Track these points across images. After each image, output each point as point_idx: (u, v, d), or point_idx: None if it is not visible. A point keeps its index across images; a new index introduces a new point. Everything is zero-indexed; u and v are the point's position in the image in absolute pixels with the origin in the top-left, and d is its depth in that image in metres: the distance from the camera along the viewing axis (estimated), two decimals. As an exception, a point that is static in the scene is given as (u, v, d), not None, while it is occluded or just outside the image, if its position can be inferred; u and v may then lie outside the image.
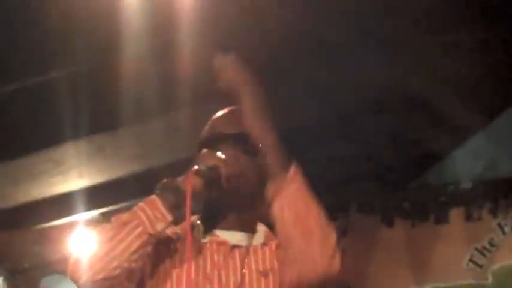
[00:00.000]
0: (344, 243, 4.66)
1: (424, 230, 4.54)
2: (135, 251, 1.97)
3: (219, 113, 2.28)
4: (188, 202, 1.98)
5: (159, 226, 2.00)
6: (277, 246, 2.16)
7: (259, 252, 2.15)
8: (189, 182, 2.00)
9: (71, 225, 4.82)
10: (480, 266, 4.34)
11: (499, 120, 4.57)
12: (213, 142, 2.17)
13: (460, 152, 4.85)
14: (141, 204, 2.04)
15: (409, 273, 4.48)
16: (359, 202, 4.71)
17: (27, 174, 4.05)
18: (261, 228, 2.24)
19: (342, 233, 4.68)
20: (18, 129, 3.51)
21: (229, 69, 2.11)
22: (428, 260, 4.45)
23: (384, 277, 4.52)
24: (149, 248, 2.01)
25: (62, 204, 4.43)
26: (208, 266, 2.09)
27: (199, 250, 2.12)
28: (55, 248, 5.12)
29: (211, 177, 2.05)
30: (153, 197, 2.04)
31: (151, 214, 2.00)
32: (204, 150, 2.14)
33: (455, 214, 4.51)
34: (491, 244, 4.35)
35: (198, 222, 2.21)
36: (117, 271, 1.95)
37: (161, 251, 2.10)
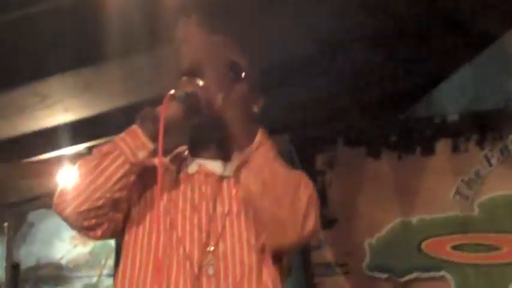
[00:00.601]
0: (331, 176, 4.69)
1: (411, 162, 4.55)
2: (117, 181, 1.98)
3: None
4: (162, 125, 1.96)
5: (141, 155, 1.99)
6: None
7: None
8: (164, 107, 1.98)
9: (57, 160, 4.82)
10: (466, 197, 4.36)
11: (486, 53, 4.56)
12: (193, 71, 2.15)
13: (447, 85, 4.86)
14: (122, 134, 2.04)
15: (395, 205, 4.51)
16: (346, 135, 4.71)
17: (12, 108, 4.02)
18: None
19: (329, 166, 4.70)
20: (3, 63, 3.47)
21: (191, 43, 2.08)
22: (414, 192, 4.48)
23: (371, 209, 4.55)
24: (132, 178, 2.01)
25: (48, 138, 4.41)
26: (196, 197, 2.09)
27: (186, 181, 2.12)
28: (42, 182, 5.13)
29: (189, 104, 2.02)
30: (134, 126, 2.03)
31: (132, 143, 1.99)
32: (184, 78, 2.12)
33: (442, 146, 4.51)
34: (477, 176, 4.38)
35: (186, 152, 2.20)
36: (101, 201, 1.97)
37: (147, 180, 2.09)
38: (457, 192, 4.39)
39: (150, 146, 2.00)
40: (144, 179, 2.08)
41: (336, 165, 4.70)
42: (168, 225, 2.04)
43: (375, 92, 4.58)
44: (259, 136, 2.03)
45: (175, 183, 2.11)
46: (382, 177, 4.58)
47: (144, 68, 3.74)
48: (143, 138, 2.00)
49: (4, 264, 5.85)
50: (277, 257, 2.09)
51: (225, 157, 2.16)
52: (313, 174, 4.64)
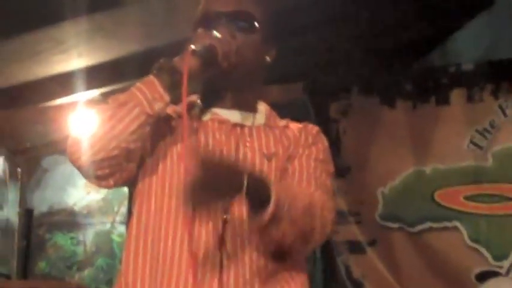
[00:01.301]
0: (345, 125, 4.68)
1: (425, 112, 4.53)
2: (133, 132, 1.95)
3: None
4: (185, 82, 1.95)
5: (157, 106, 1.98)
6: (282, 131, 2.17)
7: (263, 135, 2.14)
8: (186, 63, 1.97)
9: (71, 105, 4.82)
10: (480, 147, 4.35)
11: (502, 1, 4.51)
12: (208, 21, 2.13)
13: (463, 34, 4.82)
14: (138, 84, 2.01)
15: (409, 154, 4.50)
16: (360, 83, 4.69)
17: (27, 53, 4.02)
18: (262, 107, 2.23)
19: (343, 114, 4.69)
20: (18, 7, 3.46)
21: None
22: (428, 142, 4.46)
23: (384, 158, 4.55)
24: (147, 128, 1.99)
25: (63, 83, 4.42)
26: (210, 143, 2.08)
27: (199, 128, 2.11)
28: (56, 127, 5.15)
29: (207, 57, 2.00)
30: (150, 77, 2.01)
31: (149, 94, 1.98)
32: (199, 30, 2.10)
33: (457, 95, 4.48)
34: (492, 126, 4.36)
35: (198, 101, 2.20)
36: (116, 151, 1.95)
37: (161, 129, 2.09)
38: (471, 142, 4.38)
39: (167, 97, 1.99)
40: (157, 129, 2.06)
41: (350, 113, 4.68)
42: (182, 172, 2.02)
43: (390, 40, 4.55)
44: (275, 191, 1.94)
45: (189, 130, 2.08)
46: (396, 126, 4.56)
47: (159, 13, 3.72)
48: (160, 89, 1.98)
49: (18, 209, 5.89)
50: None
51: (242, 107, 2.16)
52: (327, 123, 4.64)
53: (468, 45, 4.77)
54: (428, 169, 4.45)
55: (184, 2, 3.57)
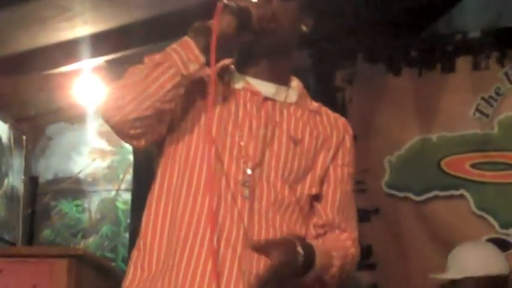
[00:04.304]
0: (350, 93, 4.67)
1: (431, 79, 4.52)
2: (167, 92, 1.95)
3: None
4: (214, 37, 1.94)
5: (192, 67, 1.97)
6: (312, 117, 2.17)
7: (293, 116, 2.13)
8: (217, 15, 1.96)
9: (77, 73, 4.81)
10: (486, 115, 4.35)
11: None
12: None
13: (469, 2, 4.79)
14: (174, 45, 2.00)
15: (415, 122, 4.49)
16: (366, 51, 4.67)
17: (32, 20, 4.02)
18: (295, 83, 2.20)
19: (349, 82, 4.67)
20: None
21: None
22: (434, 109, 4.46)
23: (390, 126, 4.54)
24: (181, 90, 1.99)
25: (68, 51, 4.41)
26: (240, 114, 2.08)
27: (230, 96, 2.10)
28: (61, 95, 5.14)
29: (241, 17, 1.99)
30: (186, 38, 2.00)
31: (185, 55, 1.97)
32: None
33: (462, 63, 4.48)
34: (497, 93, 4.36)
35: (232, 66, 2.18)
36: (149, 111, 1.95)
37: (193, 92, 2.08)
38: (477, 109, 4.38)
39: (202, 59, 1.98)
40: (190, 91, 2.06)
41: (356, 81, 4.66)
42: (208, 139, 2.02)
43: (396, 7, 4.51)
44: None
45: (220, 97, 2.09)
46: (402, 93, 4.56)
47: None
48: (195, 50, 1.97)
49: (22, 177, 5.90)
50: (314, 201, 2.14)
51: (276, 79, 2.14)
52: (333, 91, 4.63)
53: (474, 13, 4.74)
54: (434, 137, 4.45)
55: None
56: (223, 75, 2.13)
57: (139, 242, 2.06)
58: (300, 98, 2.18)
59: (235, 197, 1.99)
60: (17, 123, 5.72)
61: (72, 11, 3.91)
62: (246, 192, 2.00)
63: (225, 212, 1.97)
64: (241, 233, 1.96)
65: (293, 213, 2.07)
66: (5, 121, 5.58)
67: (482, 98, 4.38)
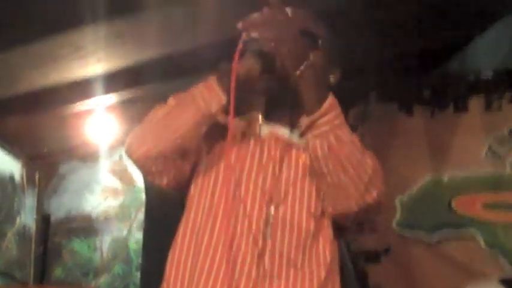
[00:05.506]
0: (362, 131, 4.66)
1: (443, 119, 4.51)
2: (188, 130, 1.99)
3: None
4: (233, 77, 1.96)
5: (214, 107, 2.00)
6: None
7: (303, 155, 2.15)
8: (236, 55, 1.98)
9: (90, 111, 4.84)
10: (499, 156, 4.33)
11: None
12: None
13: (482, 41, 4.79)
14: (199, 85, 2.05)
15: (427, 161, 4.48)
16: (378, 90, 4.68)
17: (45, 58, 4.05)
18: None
19: (361, 121, 4.68)
20: (38, 13, 3.48)
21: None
22: (446, 149, 4.45)
23: (402, 165, 4.53)
24: (203, 129, 2.03)
25: (81, 89, 4.44)
26: (264, 159, 2.10)
27: (257, 141, 2.13)
28: (74, 133, 5.17)
29: (265, 61, 2.00)
30: (211, 79, 2.04)
31: (207, 95, 2.00)
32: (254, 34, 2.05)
33: (475, 103, 4.47)
34: (510, 134, 4.34)
35: (260, 117, 2.20)
36: (170, 148, 1.99)
37: (217, 136, 2.12)
38: (489, 150, 4.36)
39: (224, 98, 2.00)
40: (214, 134, 2.10)
41: (368, 120, 4.67)
42: (232, 183, 2.05)
43: (408, 46, 4.53)
44: (329, 102, 2.03)
45: (246, 143, 2.13)
46: (414, 133, 4.55)
47: (178, 19, 3.73)
48: (218, 90, 2.00)
49: (35, 215, 5.92)
50: (338, 226, 2.13)
51: (293, 123, 2.16)
52: (345, 129, 4.62)
53: (487, 53, 4.74)
54: (445, 177, 4.43)
55: (203, 8, 3.59)
56: (250, 123, 2.17)
57: (163, 284, 2.08)
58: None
59: (257, 239, 2.00)
60: (30, 161, 5.75)
61: (85, 50, 3.94)
62: (269, 232, 2.01)
63: (245, 252, 1.99)
64: (260, 278, 1.97)
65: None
66: (18, 159, 5.61)
67: (495, 139, 4.36)
